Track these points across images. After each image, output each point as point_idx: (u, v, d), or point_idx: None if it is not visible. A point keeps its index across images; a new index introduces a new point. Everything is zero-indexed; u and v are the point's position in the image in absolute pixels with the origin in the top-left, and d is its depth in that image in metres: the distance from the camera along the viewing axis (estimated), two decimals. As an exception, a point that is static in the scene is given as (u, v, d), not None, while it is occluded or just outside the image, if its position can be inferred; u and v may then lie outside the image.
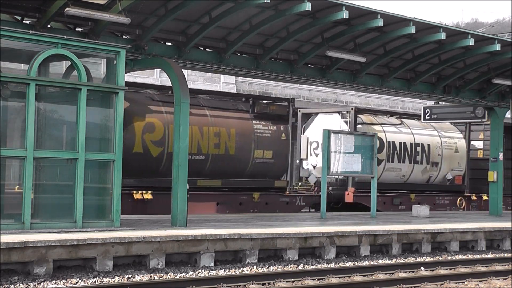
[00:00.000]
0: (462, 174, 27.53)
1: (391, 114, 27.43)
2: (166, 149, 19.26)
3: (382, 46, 19.04)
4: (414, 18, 17.25)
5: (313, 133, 24.89)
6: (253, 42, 17.73)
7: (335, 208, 23.98)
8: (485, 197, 27.09)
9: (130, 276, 12.26)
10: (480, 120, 23.80)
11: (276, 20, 16.22)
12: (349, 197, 23.61)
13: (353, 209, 23.78)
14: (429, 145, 26.27)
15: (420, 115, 24.98)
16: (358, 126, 24.20)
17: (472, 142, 28.42)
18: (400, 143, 25.27)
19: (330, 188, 23.35)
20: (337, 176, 23.33)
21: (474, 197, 27.61)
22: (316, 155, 24.55)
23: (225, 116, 21.06)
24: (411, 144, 25.72)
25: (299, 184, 24.74)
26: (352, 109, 24.39)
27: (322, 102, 39.68)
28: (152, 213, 18.40)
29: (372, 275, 13.61)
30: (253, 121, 21.67)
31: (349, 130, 23.52)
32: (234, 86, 37.14)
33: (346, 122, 24.12)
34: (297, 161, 25.21)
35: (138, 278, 12.20)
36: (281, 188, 22.46)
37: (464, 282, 13.48)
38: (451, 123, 27.42)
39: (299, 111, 26.01)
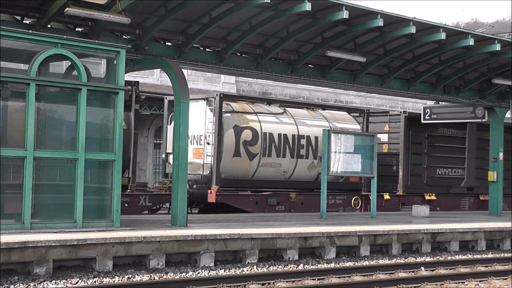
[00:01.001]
0: None
1: (269, 102, 23.65)
2: None
3: (382, 46, 19.05)
4: (414, 18, 17.25)
5: None
6: (253, 42, 17.73)
7: (201, 209, 21.18)
8: (386, 196, 24.61)
9: (130, 276, 12.26)
10: (480, 120, 23.78)
11: (276, 20, 16.22)
12: (211, 197, 20.52)
13: (219, 210, 20.69)
14: (316, 138, 22.72)
15: (303, 103, 22.38)
16: (226, 114, 21.07)
17: (377, 135, 25.38)
18: (279, 134, 21.94)
19: (194, 186, 20.88)
20: (200, 172, 20.97)
21: None
22: None
23: None
24: (293, 136, 22.39)
25: (163, 181, 21.74)
26: (217, 95, 21.12)
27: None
28: None
29: (372, 275, 13.61)
30: None
31: (214, 118, 20.80)
32: (234, 86, 37.13)
33: (211, 110, 21.05)
34: (163, 156, 22.58)
35: (138, 278, 12.20)
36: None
37: (464, 282, 13.47)
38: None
39: (166, 98, 22.91)
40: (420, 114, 24.51)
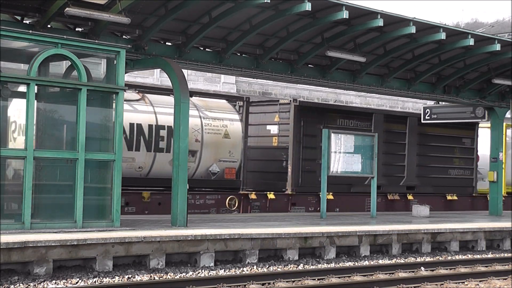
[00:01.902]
0: (236, 166, 21.30)
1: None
2: None
3: (382, 46, 19.04)
4: (414, 18, 17.25)
5: (12, 112, 16.68)
6: (253, 42, 17.73)
7: None
8: (271, 196, 21.99)
9: (130, 276, 12.26)
10: (481, 120, 23.77)
11: (276, 20, 16.22)
12: None
13: None
14: None
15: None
16: None
17: (268, 127, 23.09)
18: (131, 124, 18.98)
19: None
20: None
21: (253, 196, 21.71)
22: (14, 139, 17.35)
23: None
24: (150, 126, 19.48)
25: None
26: None
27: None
28: None
29: (372, 275, 13.61)
30: None
31: None
32: (234, 86, 37.17)
33: None
34: None
35: (138, 278, 12.20)
36: None
37: (464, 282, 13.48)
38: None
39: None
40: (313, 102, 21.79)
